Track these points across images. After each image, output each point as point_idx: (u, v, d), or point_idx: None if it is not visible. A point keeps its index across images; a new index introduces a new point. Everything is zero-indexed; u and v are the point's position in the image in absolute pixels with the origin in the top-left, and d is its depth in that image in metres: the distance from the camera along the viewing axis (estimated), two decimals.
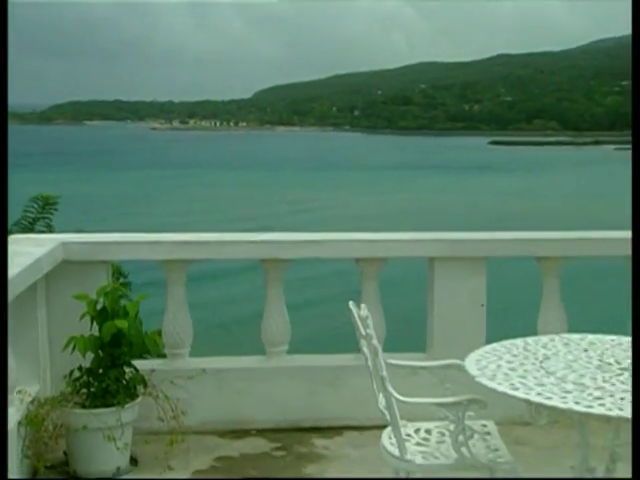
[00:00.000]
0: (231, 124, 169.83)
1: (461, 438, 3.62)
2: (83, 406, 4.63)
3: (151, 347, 5.00)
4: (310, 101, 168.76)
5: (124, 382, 4.72)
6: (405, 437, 3.80)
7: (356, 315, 3.79)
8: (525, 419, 5.07)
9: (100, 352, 4.70)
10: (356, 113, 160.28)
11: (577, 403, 3.25)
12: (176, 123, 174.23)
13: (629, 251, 5.86)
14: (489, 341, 4.19)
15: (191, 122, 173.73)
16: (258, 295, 5.85)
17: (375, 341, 3.73)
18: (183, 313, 5.50)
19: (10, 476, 3.76)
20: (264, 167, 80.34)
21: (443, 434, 3.86)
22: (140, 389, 4.81)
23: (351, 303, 3.85)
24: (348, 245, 5.70)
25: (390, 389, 3.70)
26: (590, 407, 3.22)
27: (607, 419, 3.29)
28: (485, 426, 3.97)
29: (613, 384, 3.44)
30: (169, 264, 5.45)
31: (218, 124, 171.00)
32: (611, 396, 3.30)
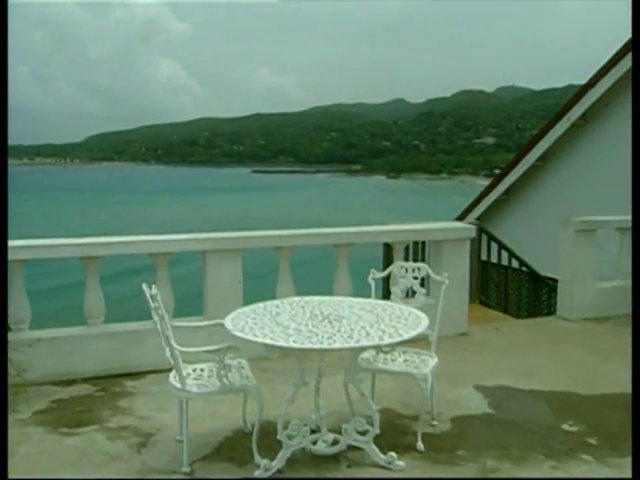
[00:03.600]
0: (68, 161, 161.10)
1: (222, 372, 3.61)
2: None
3: None
4: (126, 144, 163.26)
5: None
6: (185, 375, 3.73)
7: (147, 294, 3.66)
8: (266, 355, 5.14)
9: None
10: (159, 152, 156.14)
11: (295, 342, 3.32)
12: (25, 160, 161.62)
13: (336, 240, 6.07)
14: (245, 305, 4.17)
15: (37, 159, 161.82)
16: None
17: (161, 311, 3.63)
18: (22, 298, 5.11)
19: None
20: (95, 191, 76.30)
21: (212, 370, 3.80)
22: None
23: (144, 285, 3.70)
24: (145, 244, 5.46)
25: (173, 343, 3.62)
26: (303, 344, 3.31)
27: (313, 350, 3.38)
28: (240, 363, 3.95)
29: (318, 328, 3.53)
30: (11, 264, 5.00)
31: (58, 160, 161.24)
32: (316, 335, 3.40)
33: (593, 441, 4.06)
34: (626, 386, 5.00)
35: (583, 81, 10.36)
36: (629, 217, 7.34)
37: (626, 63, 9.34)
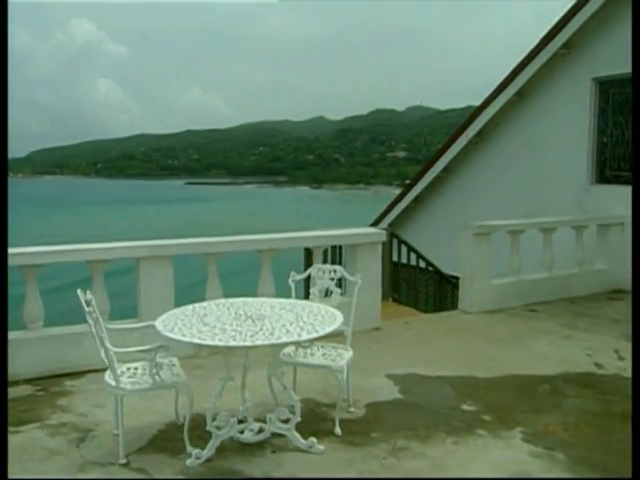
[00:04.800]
0: (12, 175, 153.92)
1: (154, 370, 3.54)
2: None
3: None
4: (67, 158, 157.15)
5: None
6: (120, 373, 3.65)
7: (82, 299, 3.57)
8: (195, 354, 5.09)
9: None
10: (99, 166, 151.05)
11: (220, 340, 3.30)
12: None
13: (260, 246, 6.05)
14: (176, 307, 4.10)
15: None
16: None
17: (95, 314, 3.54)
18: None
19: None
20: (40, 203, 72.95)
21: (145, 369, 3.72)
22: None
23: (79, 291, 3.61)
24: (81, 252, 5.28)
25: (107, 344, 3.54)
26: (228, 342, 3.29)
27: (237, 347, 3.37)
28: (171, 361, 3.88)
29: (242, 327, 3.51)
30: None
31: None
32: (240, 334, 3.39)
33: (487, 418, 4.22)
34: (515, 368, 5.25)
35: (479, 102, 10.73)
36: (518, 221, 7.70)
37: (513, 87, 9.77)
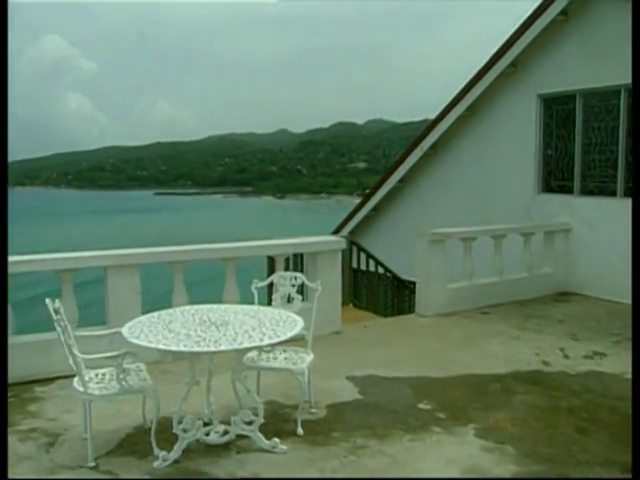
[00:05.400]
0: None
1: (121, 376, 3.51)
2: None
3: None
4: (38, 170, 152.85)
5: None
6: (88, 379, 3.61)
7: (50, 308, 3.51)
8: (161, 359, 5.03)
9: None
10: (69, 177, 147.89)
11: (185, 346, 3.29)
12: None
13: (224, 255, 6.02)
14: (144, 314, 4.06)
15: None
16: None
17: (64, 322, 3.49)
18: None
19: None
20: (21, 214, 70.94)
21: (112, 375, 3.68)
22: None
23: (47, 300, 3.55)
24: (50, 262, 5.19)
25: (74, 352, 3.49)
26: (192, 347, 3.28)
27: (201, 353, 3.37)
28: (139, 366, 3.85)
29: (206, 333, 3.51)
30: None
31: None
32: (204, 340, 3.38)
33: (442, 415, 4.28)
34: (469, 368, 5.34)
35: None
36: (470, 229, 7.84)
37: (465, 103, 9.97)
